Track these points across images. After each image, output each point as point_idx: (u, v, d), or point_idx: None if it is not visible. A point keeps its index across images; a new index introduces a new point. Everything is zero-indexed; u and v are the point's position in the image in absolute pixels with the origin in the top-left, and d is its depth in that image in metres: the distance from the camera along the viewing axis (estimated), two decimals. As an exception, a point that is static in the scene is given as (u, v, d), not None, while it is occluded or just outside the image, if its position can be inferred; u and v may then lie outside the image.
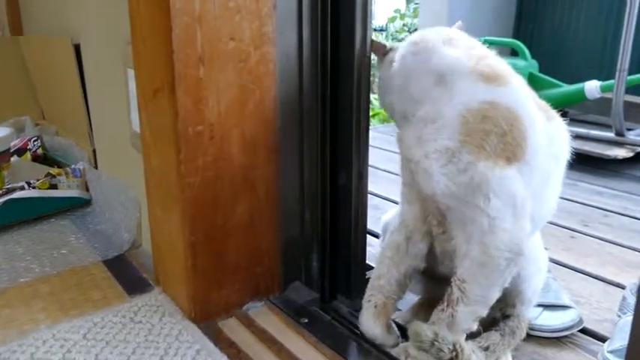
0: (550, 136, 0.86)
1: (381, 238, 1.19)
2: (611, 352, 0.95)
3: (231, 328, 1.06)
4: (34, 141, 1.92)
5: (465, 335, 0.87)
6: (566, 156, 0.91)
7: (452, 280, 0.85)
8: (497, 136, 0.79)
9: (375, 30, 5.96)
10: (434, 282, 1.00)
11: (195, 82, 0.95)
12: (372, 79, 1.08)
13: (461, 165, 0.79)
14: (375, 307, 0.93)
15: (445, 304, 0.85)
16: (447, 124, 0.81)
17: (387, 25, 5.94)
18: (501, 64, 0.86)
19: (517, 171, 0.80)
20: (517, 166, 0.80)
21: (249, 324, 1.07)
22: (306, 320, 1.06)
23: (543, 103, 0.90)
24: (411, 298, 1.12)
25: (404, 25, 5.75)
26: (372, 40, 1.01)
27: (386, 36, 5.87)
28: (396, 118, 0.94)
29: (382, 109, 0.97)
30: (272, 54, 1.02)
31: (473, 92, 0.81)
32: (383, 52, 0.96)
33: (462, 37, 0.89)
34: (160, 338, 1.02)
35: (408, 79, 0.88)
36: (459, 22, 0.94)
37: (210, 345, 1.00)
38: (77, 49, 1.66)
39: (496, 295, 0.85)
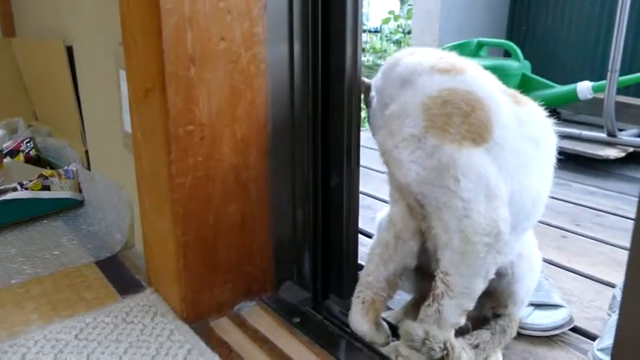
0: (520, 119, 0.87)
1: (374, 236, 1.19)
2: (600, 350, 0.96)
3: (223, 327, 1.07)
4: (27, 142, 1.91)
5: (453, 332, 0.87)
6: (549, 142, 0.90)
7: (435, 274, 0.86)
8: (459, 118, 0.81)
9: (369, 32, 5.98)
10: (426, 280, 1.00)
11: (186, 82, 0.95)
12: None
13: (427, 149, 0.82)
14: (363, 302, 0.94)
15: (431, 299, 0.86)
16: (410, 113, 0.84)
17: (381, 26, 5.96)
18: (460, 60, 0.89)
19: (486, 152, 0.81)
20: (485, 147, 0.81)
21: (241, 323, 1.07)
22: (298, 320, 1.06)
23: (511, 90, 0.92)
24: (403, 297, 1.13)
25: (398, 26, 5.78)
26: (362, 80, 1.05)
27: (380, 37, 5.89)
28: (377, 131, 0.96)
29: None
30: (263, 55, 1.03)
31: (432, 83, 0.85)
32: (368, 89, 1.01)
33: (424, 49, 0.93)
34: (152, 338, 1.02)
35: (382, 94, 0.93)
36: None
37: (202, 344, 1.00)
38: (69, 51, 1.66)
39: (480, 286, 0.85)
